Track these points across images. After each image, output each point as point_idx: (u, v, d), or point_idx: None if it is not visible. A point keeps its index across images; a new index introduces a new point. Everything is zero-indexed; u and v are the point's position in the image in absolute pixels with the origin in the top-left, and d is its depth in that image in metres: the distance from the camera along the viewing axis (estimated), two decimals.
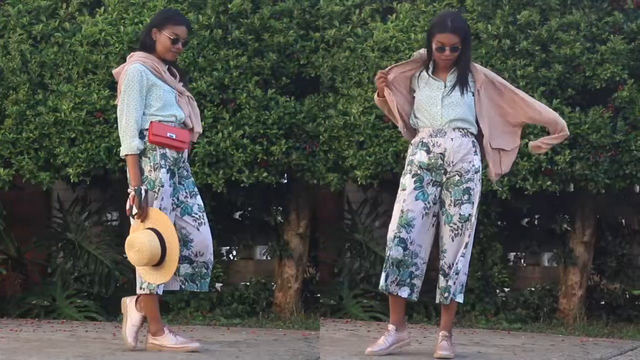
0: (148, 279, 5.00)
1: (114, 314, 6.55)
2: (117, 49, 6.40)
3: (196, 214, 5.10)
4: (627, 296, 6.72)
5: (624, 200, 6.74)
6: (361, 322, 6.58)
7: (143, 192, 4.92)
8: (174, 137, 4.98)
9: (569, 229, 6.68)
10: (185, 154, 5.12)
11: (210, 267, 5.17)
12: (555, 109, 6.27)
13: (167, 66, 5.09)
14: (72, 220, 6.83)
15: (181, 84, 5.12)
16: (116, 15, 6.49)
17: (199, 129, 5.15)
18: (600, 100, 6.36)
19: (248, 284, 6.75)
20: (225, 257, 6.82)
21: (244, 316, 6.59)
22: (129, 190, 4.93)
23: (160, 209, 4.96)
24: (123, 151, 4.94)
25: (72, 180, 6.43)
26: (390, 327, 5.07)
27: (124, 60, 6.27)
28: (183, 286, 5.14)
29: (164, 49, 5.02)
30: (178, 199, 5.07)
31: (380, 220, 6.84)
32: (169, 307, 6.60)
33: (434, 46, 4.92)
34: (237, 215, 6.86)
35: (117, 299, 6.48)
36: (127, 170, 4.96)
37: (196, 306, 6.63)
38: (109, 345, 5.43)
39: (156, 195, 4.96)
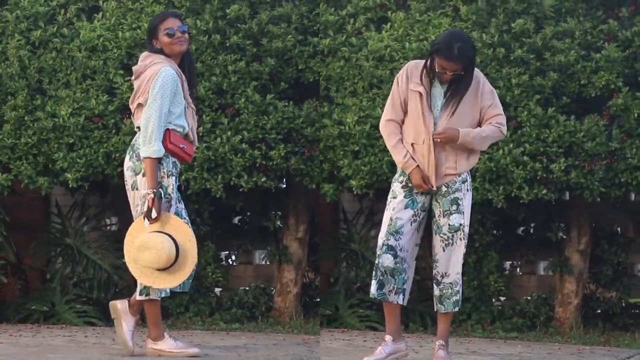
0: (156, 283, 4.98)
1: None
2: (116, 55, 6.38)
3: (184, 218, 5.12)
4: (623, 304, 6.73)
5: (619, 209, 6.73)
6: (357, 332, 6.57)
7: (158, 195, 4.91)
8: (185, 148, 5.02)
9: (564, 237, 6.67)
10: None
11: (194, 268, 5.12)
12: (550, 117, 6.25)
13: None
14: (70, 225, 6.81)
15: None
16: (114, 20, 6.46)
17: (196, 143, 5.19)
18: (595, 108, 6.35)
19: (247, 288, 6.75)
20: (224, 262, 6.82)
21: (244, 321, 6.60)
22: (143, 192, 4.90)
23: (176, 214, 4.98)
24: (148, 153, 4.89)
25: (70, 186, 6.42)
26: (387, 337, 5.05)
27: (123, 66, 6.25)
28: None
29: (167, 46, 5.01)
30: None
31: (376, 229, 6.77)
32: (169, 312, 6.61)
33: (436, 66, 4.86)
34: (236, 220, 6.86)
35: None
36: (143, 173, 4.90)
37: (195, 311, 6.63)
38: (108, 350, 5.46)
39: (170, 202, 4.99)
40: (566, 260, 6.66)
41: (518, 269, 6.85)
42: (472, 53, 4.89)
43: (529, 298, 6.69)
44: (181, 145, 5.01)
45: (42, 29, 6.47)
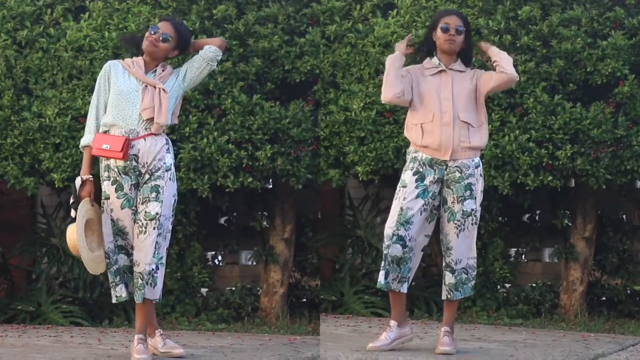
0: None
1: (99, 319, 6.50)
2: (102, 55, 6.33)
3: (140, 221, 4.98)
4: (628, 292, 6.65)
5: (625, 196, 6.66)
6: (362, 318, 6.56)
7: (77, 182, 5.01)
8: (108, 147, 4.94)
9: (570, 224, 6.62)
10: (148, 158, 4.99)
11: (146, 277, 4.98)
12: (556, 104, 6.26)
13: (159, 64, 5.05)
14: (56, 225, 6.76)
15: (159, 77, 5.03)
16: (101, 20, 6.41)
17: (159, 120, 4.97)
18: (601, 95, 6.31)
19: (233, 289, 6.67)
20: (210, 262, 6.76)
21: (230, 321, 6.52)
22: None
23: (113, 220, 4.98)
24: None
25: (56, 186, 6.36)
26: (392, 323, 5.15)
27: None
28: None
29: (144, 42, 5.06)
30: (136, 207, 5.02)
31: (381, 216, 6.80)
32: (155, 312, 6.49)
33: (439, 27, 5.01)
34: (222, 220, 6.80)
35: (101, 304, 6.48)
36: None
37: (182, 311, 6.54)
38: (94, 350, 5.45)
39: (103, 208, 4.98)
40: (571, 248, 6.59)
41: (523, 256, 6.79)
42: (468, 20, 5.15)
43: (534, 285, 6.63)
44: (103, 146, 4.96)
45: (28, 28, 6.41)
